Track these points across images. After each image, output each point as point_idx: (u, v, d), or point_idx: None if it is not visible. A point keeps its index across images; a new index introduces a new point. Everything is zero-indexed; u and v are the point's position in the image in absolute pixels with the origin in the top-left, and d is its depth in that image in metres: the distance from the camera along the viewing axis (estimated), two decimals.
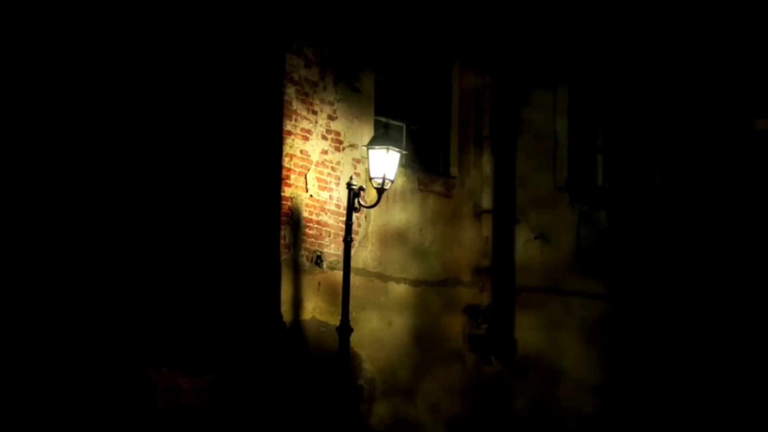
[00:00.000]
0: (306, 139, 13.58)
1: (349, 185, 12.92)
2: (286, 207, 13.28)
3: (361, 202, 12.96)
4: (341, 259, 13.03)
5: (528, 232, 15.32)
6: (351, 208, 12.88)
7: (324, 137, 13.78)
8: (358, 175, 13.86)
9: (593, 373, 15.26)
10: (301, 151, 13.51)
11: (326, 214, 13.65)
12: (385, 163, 12.73)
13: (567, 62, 15.74)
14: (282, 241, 13.19)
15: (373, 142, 12.87)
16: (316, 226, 13.52)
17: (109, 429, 12.67)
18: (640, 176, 15.96)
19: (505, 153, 15.28)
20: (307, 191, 13.50)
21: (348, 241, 12.82)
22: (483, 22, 15.29)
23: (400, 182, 14.16)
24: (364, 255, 14.01)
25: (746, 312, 15.62)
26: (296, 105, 13.52)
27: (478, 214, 15.11)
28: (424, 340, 14.46)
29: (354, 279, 13.15)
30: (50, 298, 13.66)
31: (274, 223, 13.23)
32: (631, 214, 15.80)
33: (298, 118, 13.53)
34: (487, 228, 15.09)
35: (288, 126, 13.41)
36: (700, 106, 15.96)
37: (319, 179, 13.65)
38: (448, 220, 14.90)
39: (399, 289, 14.34)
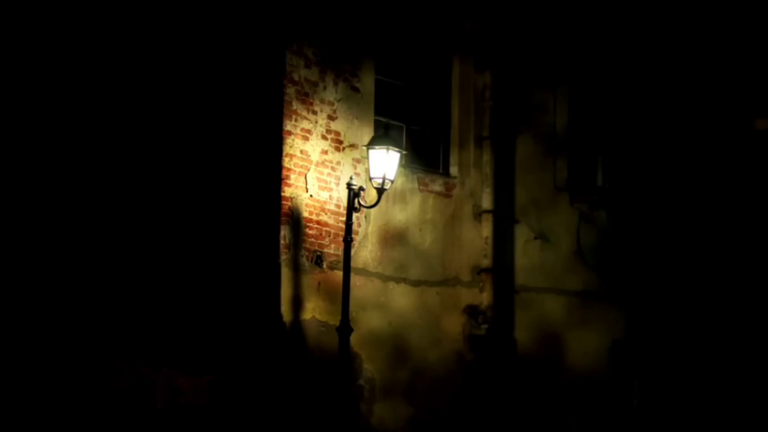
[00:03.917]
0: (306, 139, 13.58)
1: (349, 185, 12.92)
2: (286, 207, 13.28)
3: (361, 202, 12.96)
4: (341, 259, 13.03)
5: (528, 232, 15.33)
6: (351, 208, 12.88)
7: (324, 137, 13.79)
8: (358, 175, 13.86)
9: (594, 373, 15.25)
10: (301, 151, 13.51)
11: (326, 214, 13.66)
12: (385, 163, 12.73)
13: (567, 62, 15.75)
14: (282, 241, 13.19)
15: (373, 142, 12.87)
16: (316, 226, 13.52)
17: (109, 429, 12.67)
18: (640, 176, 15.95)
19: (505, 153, 15.29)
20: (307, 191, 13.50)
21: (348, 241, 12.82)
22: (483, 22, 15.30)
23: (400, 182, 14.15)
24: (364, 255, 14.01)
25: (748, 312, 15.60)
26: (296, 105, 13.52)
27: (478, 214, 15.11)
28: (424, 340, 14.46)
29: (354, 279, 13.15)
30: (50, 298, 13.66)
31: (274, 223, 13.23)
32: (631, 214, 15.79)
33: (298, 118, 13.53)
34: (487, 228, 15.09)
35: (288, 126, 13.41)
36: (700, 106, 15.94)
37: (319, 179, 13.65)
38: (448, 220, 14.90)
39: (399, 289, 14.34)
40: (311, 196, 13.54)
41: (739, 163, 15.85)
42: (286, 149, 13.36)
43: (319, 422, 13.01)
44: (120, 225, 14.07)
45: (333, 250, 13.57)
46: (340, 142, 13.94)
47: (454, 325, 14.79)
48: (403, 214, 14.48)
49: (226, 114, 13.74)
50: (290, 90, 13.46)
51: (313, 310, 13.39)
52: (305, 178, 13.52)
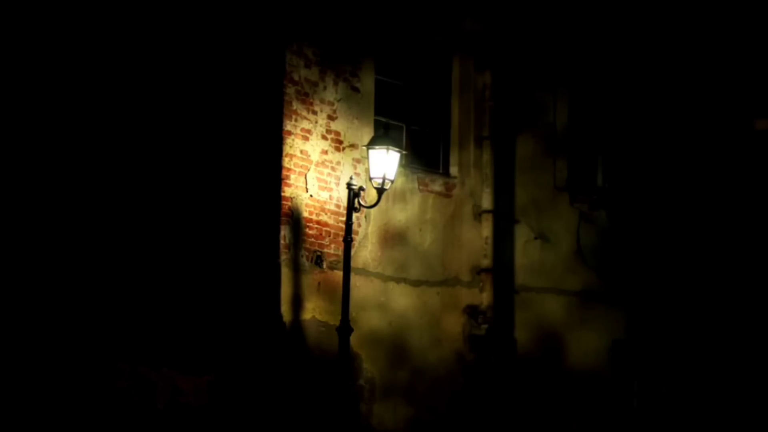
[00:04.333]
0: (306, 139, 13.59)
1: (349, 185, 12.92)
2: (286, 207, 13.28)
3: (361, 202, 12.97)
4: (341, 259, 13.03)
5: (528, 232, 15.33)
6: (351, 208, 12.88)
7: (324, 137, 13.79)
8: (358, 175, 13.86)
9: (594, 373, 15.25)
10: (301, 151, 13.51)
11: (326, 214, 13.66)
12: (385, 163, 12.73)
13: (567, 62, 15.75)
14: (282, 241, 13.19)
15: (373, 142, 12.87)
16: (316, 226, 13.52)
17: (109, 429, 12.67)
18: (640, 176, 15.95)
19: (505, 153, 15.29)
20: (307, 191, 13.50)
21: (348, 241, 12.83)
22: (483, 22, 15.30)
23: (400, 182, 14.15)
24: (364, 255, 14.01)
25: (748, 312, 15.60)
26: (296, 105, 13.52)
27: (478, 214, 15.11)
28: (424, 340, 14.46)
29: (354, 279, 13.15)
30: (51, 298, 13.66)
31: (274, 223, 13.23)
32: (631, 214, 15.80)
33: (298, 118, 13.53)
34: (487, 228, 15.09)
35: (288, 126, 13.42)
36: (700, 106, 15.95)
37: (319, 179, 13.65)
38: (448, 220, 14.90)
39: (399, 289, 14.34)
40: (311, 196, 13.54)
41: (739, 163, 15.85)
42: (286, 149, 13.36)
43: (319, 422, 13.01)
44: (120, 225, 14.07)
45: (333, 250, 13.57)
46: (340, 142, 13.95)
47: (454, 325, 14.79)
48: (403, 214, 14.48)
49: (226, 114, 13.74)
50: (290, 90, 13.46)
51: (313, 310, 13.39)
52: (305, 178, 13.52)
